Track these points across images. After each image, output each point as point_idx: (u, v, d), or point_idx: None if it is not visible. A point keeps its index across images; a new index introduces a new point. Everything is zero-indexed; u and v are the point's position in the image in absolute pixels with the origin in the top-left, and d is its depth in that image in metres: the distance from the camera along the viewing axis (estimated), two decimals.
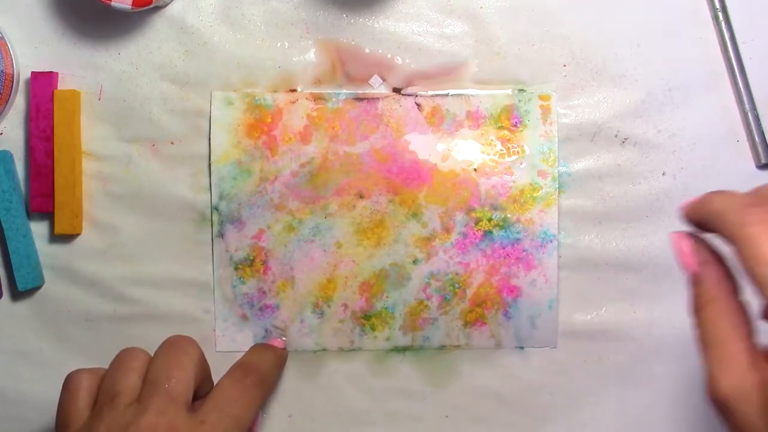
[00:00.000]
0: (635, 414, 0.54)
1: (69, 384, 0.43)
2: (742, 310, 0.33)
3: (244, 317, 0.53)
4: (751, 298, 0.33)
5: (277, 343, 0.53)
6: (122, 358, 0.44)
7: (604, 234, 0.54)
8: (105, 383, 0.42)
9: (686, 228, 0.36)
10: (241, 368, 0.47)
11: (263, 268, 0.53)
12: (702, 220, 0.35)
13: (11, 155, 0.53)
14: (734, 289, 0.34)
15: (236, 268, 0.53)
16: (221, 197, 0.53)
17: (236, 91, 0.53)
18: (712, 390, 0.32)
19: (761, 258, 0.30)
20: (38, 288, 0.54)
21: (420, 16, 0.54)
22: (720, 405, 0.32)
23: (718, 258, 0.35)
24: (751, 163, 0.54)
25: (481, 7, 0.54)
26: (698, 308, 0.34)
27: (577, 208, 0.54)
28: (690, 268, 0.35)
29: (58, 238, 0.54)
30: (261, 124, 0.53)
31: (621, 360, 0.54)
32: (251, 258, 0.53)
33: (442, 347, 0.54)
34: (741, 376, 0.31)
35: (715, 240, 0.34)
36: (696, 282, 0.35)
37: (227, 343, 0.54)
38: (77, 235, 0.54)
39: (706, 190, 0.53)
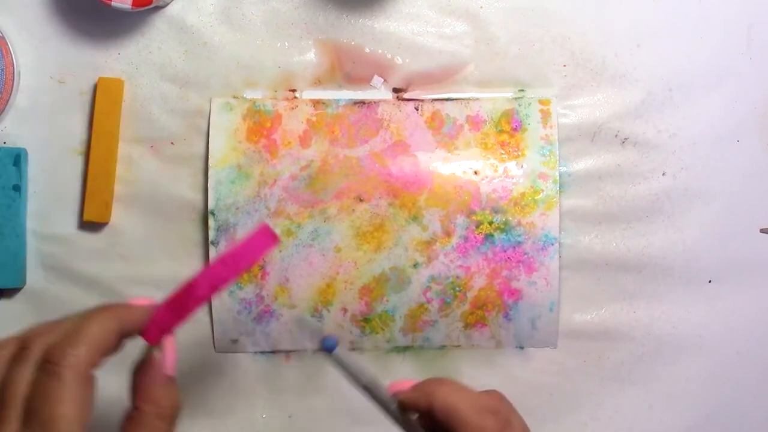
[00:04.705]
0: (635, 414, 0.54)
1: None
2: None
3: (243, 322, 0.53)
4: None
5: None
6: None
7: (604, 234, 0.54)
8: None
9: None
10: None
11: (261, 273, 0.53)
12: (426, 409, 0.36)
13: (26, 153, 0.53)
14: None
15: None
16: (218, 202, 0.52)
17: (236, 98, 0.53)
18: None
19: None
20: (18, 289, 0.54)
21: (420, 16, 0.54)
22: None
23: None
24: (751, 163, 0.54)
25: (481, 7, 0.54)
26: None
27: (577, 208, 0.54)
28: None
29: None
30: (261, 128, 0.53)
31: (621, 360, 0.54)
32: None
33: (443, 347, 0.54)
34: None
35: None
36: None
37: (226, 345, 0.54)
38: (105, 224, 0.53)
39: (706, 190, 0.54)
